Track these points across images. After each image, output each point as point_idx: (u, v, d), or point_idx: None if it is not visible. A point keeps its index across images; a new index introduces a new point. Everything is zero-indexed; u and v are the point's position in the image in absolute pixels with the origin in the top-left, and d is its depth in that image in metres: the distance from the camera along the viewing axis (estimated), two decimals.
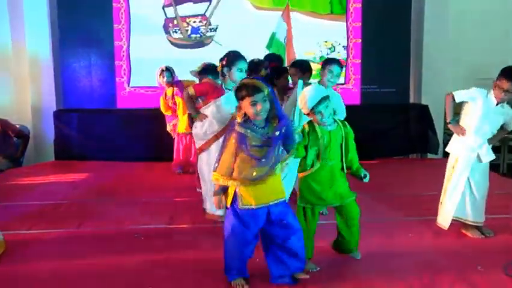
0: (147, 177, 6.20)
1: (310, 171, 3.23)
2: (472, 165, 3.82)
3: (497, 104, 3.77)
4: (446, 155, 7.41)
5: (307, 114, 3.26)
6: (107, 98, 7.42)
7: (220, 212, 4.30)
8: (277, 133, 2.90)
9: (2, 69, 7.23)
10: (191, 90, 4.32)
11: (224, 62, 4.21)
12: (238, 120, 2.95)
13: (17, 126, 6.89)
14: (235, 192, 2.96)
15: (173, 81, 6.28)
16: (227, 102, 4.20)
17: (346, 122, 3.34)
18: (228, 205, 3.02)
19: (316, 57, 7.60)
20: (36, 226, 4.23)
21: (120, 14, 7.30)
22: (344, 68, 4.43)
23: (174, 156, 6.43)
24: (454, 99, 3.88)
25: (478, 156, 3.83)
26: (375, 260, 3.42)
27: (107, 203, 4.97)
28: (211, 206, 4.30)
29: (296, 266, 3.08)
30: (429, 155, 7.47)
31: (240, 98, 2.93)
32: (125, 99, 7.45)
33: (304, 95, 3.20)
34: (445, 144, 7.39)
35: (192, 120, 4.72)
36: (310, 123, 3.26)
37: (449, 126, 3.95)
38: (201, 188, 4.93)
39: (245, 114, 2.93)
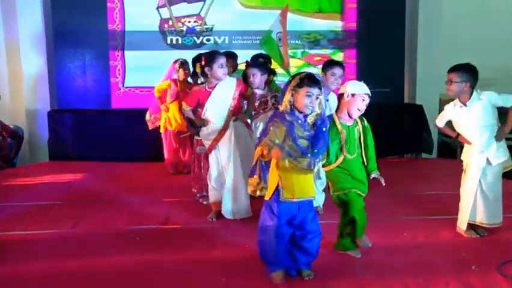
0: (142, 177, 6.18)
1: (336, 164, 3.35)
2: (484, 168, 3.80)
3: (466, 104, 3.76)
4: (440, 155, 7.49)
5: (342, 98, 3.39)
6: (102, 98, 7.39)
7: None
8: (324, 129, 2.98)
9: None
10: (185, 106, 4.33)
11: (203, 63, 4.22)
12: (283, 108, 2.99)
13: (11, 126, 6.87)
14: (277, 185, 2.98)
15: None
16: (216, 98, 4.20)
17: (364, 118, 3.49)
18: (267, 198, 3.03)
19: (298, 53, 7.63)
20: (30, 226, 4.21)
21: (115, 14, 7.27)
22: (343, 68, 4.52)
23: (166, 155, 6.39)
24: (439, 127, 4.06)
25: (488, 159, 3.79)
26: (370, 259, 3.42)
27: (102, 203, 4.95)
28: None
29: (304, 261, 3.12)
30: (424, 155, 7.49)
31: (297, 85, 2.95)
32: (119, 100, 7.42)
33: (353, 81, 3.47)
34: (439, 144, 7.48)
35: (191, 124, 4.71)
36: (330, 118, 3.35)
37: (459, 139, 3.96)
38: (196, 189, 4.94)
39: (290, 105, 2.97)
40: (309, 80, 2.95)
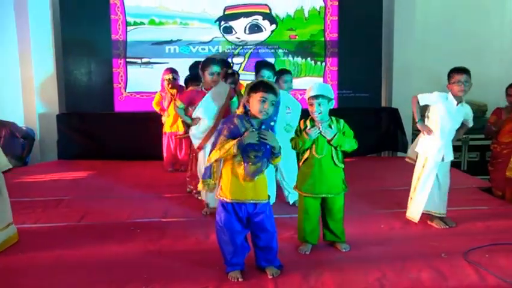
0: (142, 175, 6.15)
1: (303, 161, 3.33)
2: (438, 163, 3.86)
3: (457, 105, 3.79)
4: None
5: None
6: (106, 102, 7.35)
7: (211, 204, 4.31)
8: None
9: (11, 78, 7.13)
10: (179, 103, 4.36)
11: (200, 67, 4.26)
12: (237, 112, 2.92)
13: (24, 128, 6.85)
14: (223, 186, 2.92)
15: (177, 84, 6.09)
16: (211, 99, 4.20)
17: (340, 119, 3.39)
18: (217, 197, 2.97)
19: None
20: (41, 219, 4.21)
21: (118, 25, 7.24)
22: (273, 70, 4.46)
23: (165, 154, 6.34)
24: (418, 102, 3.88)
25: (443, 157, 3.85)
26: (351, 248, 3.44)
27: (106, 198, 4.94)
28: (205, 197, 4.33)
29: (261, 258, 3.02)
30: (399, 153, 7.52)
31: (252, 91, 2.82)
32: (122, 103, 7.39)
33: (311, 86, 3.27)
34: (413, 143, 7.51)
35: (188, 126, 4.71)
36: (307, 118, 3.33)
37: (417, 125, 3.94)
38: (192, 185, 4.93)
39: (245, 109, 2.88)
40: (265, 86, 2.82)
